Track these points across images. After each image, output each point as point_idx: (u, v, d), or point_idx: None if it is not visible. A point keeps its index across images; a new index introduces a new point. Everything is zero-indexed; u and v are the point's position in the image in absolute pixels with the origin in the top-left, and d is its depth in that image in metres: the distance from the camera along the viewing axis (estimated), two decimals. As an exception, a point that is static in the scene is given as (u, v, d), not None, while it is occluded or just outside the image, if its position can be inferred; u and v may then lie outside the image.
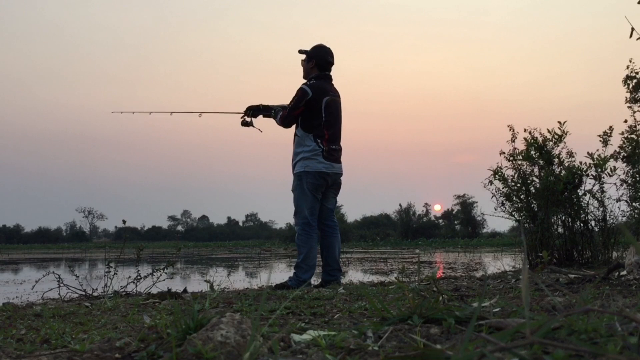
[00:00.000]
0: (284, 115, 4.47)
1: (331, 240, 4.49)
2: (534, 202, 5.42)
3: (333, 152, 4.42)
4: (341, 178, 4.55)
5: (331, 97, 4.45)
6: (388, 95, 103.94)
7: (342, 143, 4.59)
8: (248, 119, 4.74)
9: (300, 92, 4.37)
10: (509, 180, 5.53)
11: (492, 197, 5.60)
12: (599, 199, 5.23)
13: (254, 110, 4.73)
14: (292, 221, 4.64)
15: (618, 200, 5.27)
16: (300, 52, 4.59)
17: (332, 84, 4.56)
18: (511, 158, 5.57)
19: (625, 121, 5.94)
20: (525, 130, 5.49)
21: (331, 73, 4.59)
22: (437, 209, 49.48)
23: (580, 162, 5.27)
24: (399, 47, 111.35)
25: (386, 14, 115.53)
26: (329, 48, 4.57)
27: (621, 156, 5.60)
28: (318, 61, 4.49)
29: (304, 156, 4.35)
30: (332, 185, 4.46)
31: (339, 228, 4.62)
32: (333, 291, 3.11)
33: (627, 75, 6.12)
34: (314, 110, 4.35)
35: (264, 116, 4.75)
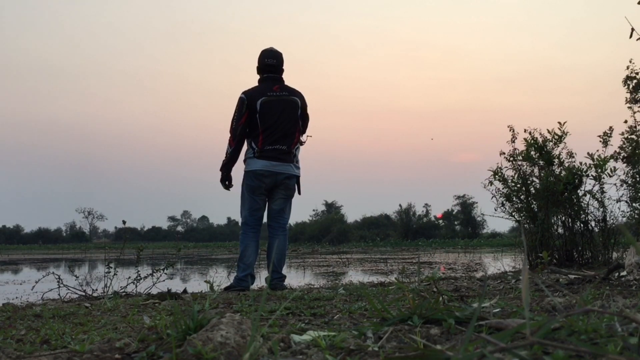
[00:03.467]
0: (231, 133, 4.38)
1: (271, 241, 4.44)
2: (534, 202, 5.42)
3: (270, 152, 4.31)
4: (290, 180, 4.38)
5: (268, 97, 4.36)
6: (387, 94, 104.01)
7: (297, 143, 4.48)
8: (227, 183, 4.52)
9: (239, 101, 4.39)
10: (509, 181, 5.53)
11: (492, 197, 5.60)
12: (599, 199, 5.23)
13: (224, 176, 4.50)
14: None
15: (618, 200, 5.28)
16: None
17: (280, 84, 4.44)
18: (511, 158, 5.57)
19: (625, 121, 5.95)
20: (525, 131, 5.50)
21: (278, 74, 4.47)
22: (439, 215, 49.52)
23: (580, 163, 5.27)
24: (397, 46, 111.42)
25: (382, 10, 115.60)
26: (269, 50, 4.50)
27: (621, 157, 5.60)
28: (259, 65, 4.50)
29: (244, 158, 4.44)
30: (278, 186, 4.37)
31: (284, 231, 4.46)
32: (333, 291, 3.11)
33: (627, 76, 6.14)
34: (251, 114, 4.35)
35: (226, 171, 4.49)
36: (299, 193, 4.54)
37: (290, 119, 4.40)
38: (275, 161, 4.32)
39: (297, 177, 4.48)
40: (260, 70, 4.50)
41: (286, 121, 4.37)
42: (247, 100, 4.37)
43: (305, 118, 4.55)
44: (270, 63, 4.46)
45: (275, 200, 4.44)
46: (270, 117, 4.33)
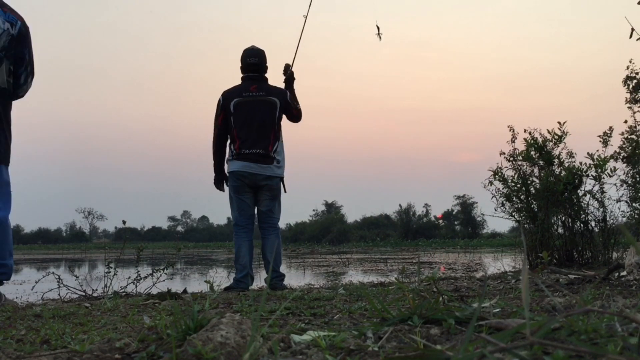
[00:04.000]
0: (213, 132, 4.43)
1: (264, 242, 4.44)
2: (534, 202, 5.42)
3: (247, 155, 4.28)
4: (272, 180, 4.35)
5: (242, 99, 4.31)
6: (388, 94, 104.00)
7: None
8: (221, 184, 4.56)
9: (217, 101, 4.41)
10: (509, 181, 5.53)
11: (492, 197, 5.60)
12: (599, 199, 5.23)
13: (217, 177, 4.54)
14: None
15: (618, 200, 5.28)
16: None
17: (258, 84, 4.38)
18: (511, 158, 5.57)
19: (625, 121, 5.95)
20: (525, 131, 5.50)
21: (260, 73, 4.42)
22: (439, 215, 49.56)
23: (580, 163, 5.27)
24: (398, 46, 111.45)
25: (383, 10, 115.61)
26: (251, 48, 4.45)
27: (621, 157, 5.61)
28: (241, 64, 4.46)
29: (226, 160, 4.44)
30: (261, 188, 4.35)
31: (275, 230, 4.46)
32: (333, 292, 3.11)
33: (627, 76, 6.14)
34: (227, 115, 4.34)
35: (217, 173, 4.52)
36: (284, 191, 4.49)
37: (265, 120, 4.33)
38: (253, 162, 4.29)
39: (280, 177, 4.43)
40: (242, 69, 4.45)
41: (260, 122, 4.31)
42: (222, 101, 4.36)
43: (289, 107, 4.40)
44: (252, 62, 4.40)
45: (261, 202, 4.43)
46: (244, 118, 4.30)
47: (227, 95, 4.37)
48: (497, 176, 5.53)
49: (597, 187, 5.21)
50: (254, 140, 4.29)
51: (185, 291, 4.30)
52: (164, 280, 4.57)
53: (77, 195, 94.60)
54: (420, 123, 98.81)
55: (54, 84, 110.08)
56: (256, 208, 4.49)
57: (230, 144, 4.38)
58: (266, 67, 4.47)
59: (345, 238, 43.18)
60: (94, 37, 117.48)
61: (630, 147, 5.66)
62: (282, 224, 4.63)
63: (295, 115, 4.48)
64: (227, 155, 4.44)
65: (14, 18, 3.47)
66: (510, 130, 5.67)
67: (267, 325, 1.63)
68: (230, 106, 4.32)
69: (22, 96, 3.72)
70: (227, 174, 4.43)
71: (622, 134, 5.91)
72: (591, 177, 5.19)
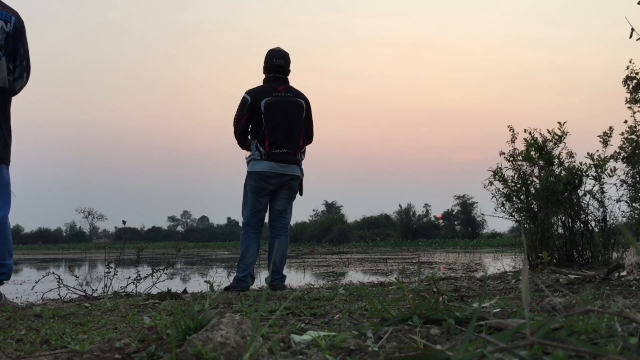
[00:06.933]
0: (234, 133, 4.42)
1: (273, 241, 4.43)
2: (534, 202, 5.42)
3: (277, 156, 4.28)
4: (294, 181, 4.39)
5: (273, 98, 4.31)
6: (388, 94, 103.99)
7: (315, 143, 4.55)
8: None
9: (242, 100, 4.36)
10: (509, 181, 5.52)
11: (492, 197, 5.60)
12: (599, 199, 5.23)
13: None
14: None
15: (618, 200, 5.28)
16: None
17: (285, 85, 4.40)
18: (511, 158, 5.56)
19: (625, 121, 5.94)
20: (525, 131, 5.49)
21: (285, 75, 4.44)
22: (439, 215, 49.59)
23: (580, 163, 5.26)
24: (398, 46, 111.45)
25: (383, 10, 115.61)
26: (277, 49, 4.46)
27: (621, 157, 5.61)
28: (265, 65, 4.45)
29: (248, 160, 4.42)
30: (283, 187, 4.36)
31: (286, 231, 4.48)
32: (333, 292, 3.11)
33: (627, 76, 6.13)
34: (255, 114, 4.31)
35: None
36: (301, 194, 4.54)
37: (295, 121, 4.37)
38: (282, 163, 4.30)
39: (300, 179, 4.47)
40: (266, 69, 4.46)
41: (291, 123, 4.35)
42: (250, 101, 4.32)
43: (309, 122, 4.50)
44: (278, 64, 4.42)
45: (278, 201, 4.43)
46: (276, 118, 4.30)
47: (256, 95, 4.33)
48: (497, 176, 5.52)
49: (597, 187, 5.21)
50: (284, 140, 4.30)
51: (185, 291, 4.30)
52: (164, 280, 4.57)
53: (77, 195, 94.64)
54: (420, 123, 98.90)
55: (54, 82, 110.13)
56: (268, 206, 4.48)
57: (257, 144, 4.33)
58: (289, 70, 4.50)
59: (345, 238, 43.19)
60: (95, 36, 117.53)
61: (630, 147, 5.66)
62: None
63: (311, 134, 4.55)
64: (251, 155, 4.39)
65: (7, 15, 3.44)
66: (510, 130, 5.66)
67: (267, 325, 1.63)
68: (261, 105, 4.29)
69: (18, 91, 3.66)
70: (249, 173, 4.39)
71: (622, 134, 5.90)
72: (591, 177, 5.19)
